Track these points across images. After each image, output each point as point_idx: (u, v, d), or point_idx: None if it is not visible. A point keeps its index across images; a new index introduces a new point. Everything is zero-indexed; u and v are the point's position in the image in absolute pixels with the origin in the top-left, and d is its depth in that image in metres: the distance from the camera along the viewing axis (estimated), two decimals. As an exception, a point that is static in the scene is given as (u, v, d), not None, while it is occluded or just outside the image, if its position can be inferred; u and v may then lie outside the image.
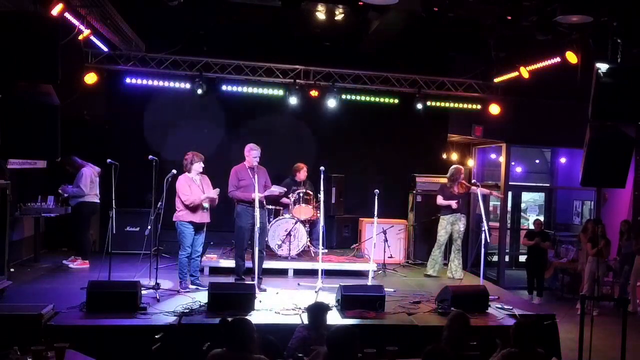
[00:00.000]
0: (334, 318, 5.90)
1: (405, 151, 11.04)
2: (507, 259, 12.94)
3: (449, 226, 8.76)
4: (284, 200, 9.09)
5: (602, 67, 5.86)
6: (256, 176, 7.13)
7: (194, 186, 7.14)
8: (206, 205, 7.17)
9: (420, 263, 10.02)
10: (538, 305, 9.59)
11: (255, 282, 6.99)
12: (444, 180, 10.45)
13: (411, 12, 7.66)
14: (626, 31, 6.53)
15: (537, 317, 6.50)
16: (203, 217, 7.19)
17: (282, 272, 8.49)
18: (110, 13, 7.73)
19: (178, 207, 7.11)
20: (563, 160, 14.47)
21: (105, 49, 9.11)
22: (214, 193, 7.19)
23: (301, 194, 9.08)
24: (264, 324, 5.65)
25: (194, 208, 7.08)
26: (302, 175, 9.40)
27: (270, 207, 8.85)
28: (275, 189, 7.63)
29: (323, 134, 10.70)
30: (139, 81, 9.66)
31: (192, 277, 7.28)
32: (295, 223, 8.84)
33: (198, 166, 7.22)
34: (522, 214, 14.65)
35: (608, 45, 6.47)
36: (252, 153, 7.30)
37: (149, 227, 7.23)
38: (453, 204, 8.67)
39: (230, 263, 8.16)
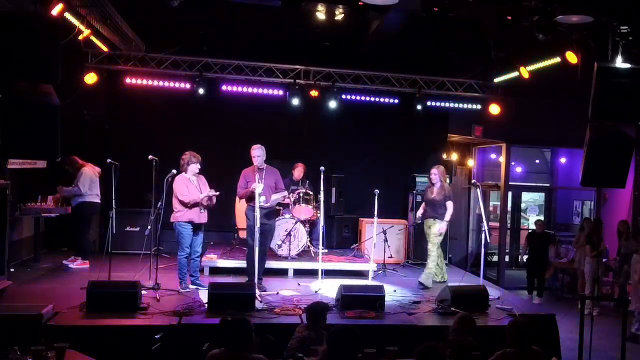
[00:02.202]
0: (334, 318, 5.90)
1: (405, 151, 11.04)
2: (507, 259, 12.95)
3: (426, 229, 8.37)
4: (286, 200, 9.13)
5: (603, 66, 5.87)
6: (257, 176, 7.13)
7: (191, 186, 7.12)
8: (204, 203, 7.15)
9: (420, 263, 10.00)
10: (538, 305, 9.58)
11: (256, 282, 6.99)
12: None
13: (411, 12, 7.66)
14: (626, 31, 6.53)
15: (535, 317, 6.50)
16: (201, 217, 7.18)
17: (282, 272, 8.49)
18: (110, 13, 7.73)
19: (175, 207, 7.09)
20: (563, 160, 14.47)
21: (105, 49, 9.12)
22: (212, 192, 7.17)
23: (301, 194, 9.08)
24: (264, 324, 5.66)
25: (191, 207, 7.07)
26: (297, 174, 9.41)
27: (278, 207, 8.85)
28: (278, 196, 7.63)
29: (323, 134, 10.71)
30: (139, 81, 9.65)
31: (192, 277, 7.27)
32: (295, 223, 8.84)
33: (195, 166, 7.20)
34: (522, 214, 14.65)
35: (608, 45, 6.47)
36: (252, 153, 7.30)
37: (149, 227, 7.23)
38: (418, 211, 8.47)
39: (230, 263, 8.17)
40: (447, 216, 8.04)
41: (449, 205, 8.06)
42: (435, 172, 8.26)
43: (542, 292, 10.41)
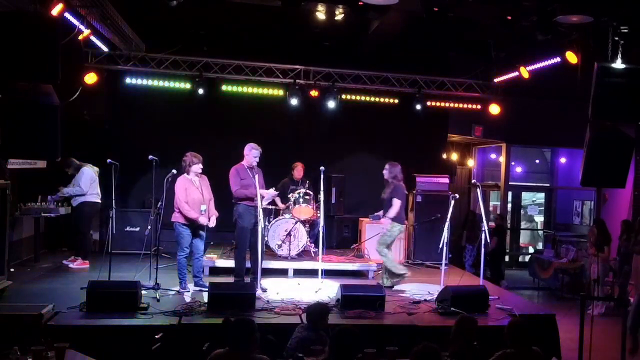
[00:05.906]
0: (334, 318, 5.90)
1: (405, 151, 11.02)
2: (507, 258, 12.94)
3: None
4: (281, 205, 9.12)
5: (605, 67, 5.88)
6: (257, 176, 7.13)
7: (191, 188, 7.08)
8: (204, 207, 7.13)
9: (420, 263, 10.01)
10: (538, 304, 9.57)
11: (258, 282, 6.99)
12: (443, 180, 10.52)
13: (411, 12, 7.66)
14: (626, 31, 6.53)
15: (535, 317, 6.50)
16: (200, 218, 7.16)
17: (282, 272, 8.48)
18: (110, 13, 7.73)
19: (175, 208, 7.09)
20: (563, 160, 14.47)
21: (105, 49, 9.12)
22: (212, 222, 7.16)
23: (301, 194, 9.08)
24: (264, 324, 5.65)
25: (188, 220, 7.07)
26: (297, 173, 9.42)
27: (270, 207, 8.86)
28: (272, 193, 7.65)
29: (323, 134, 10.70)
30: (139, 81, 9.66)
31: (196, 277, 7.21)
32: (295, 223, 8.83)
33: (196, 167, 7.17)
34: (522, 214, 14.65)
35: (608, 45, 6.48)
36: (254, 152, 7.27)
37: (149, 227, 7.23)
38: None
39: (230, 263, 8.15)
40: (390, 213, 7.69)
41: (394, 202, 7.73)
42: (386, 168, 7.96)
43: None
